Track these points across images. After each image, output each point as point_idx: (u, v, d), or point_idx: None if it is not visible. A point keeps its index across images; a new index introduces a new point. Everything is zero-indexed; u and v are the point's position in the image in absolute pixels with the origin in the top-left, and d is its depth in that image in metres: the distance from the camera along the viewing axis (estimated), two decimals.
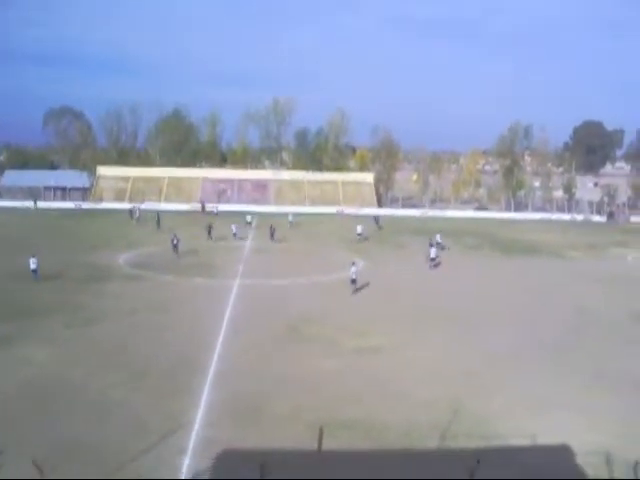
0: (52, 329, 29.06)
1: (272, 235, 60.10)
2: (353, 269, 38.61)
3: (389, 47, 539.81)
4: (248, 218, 72.26)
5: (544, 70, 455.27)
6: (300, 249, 55.96)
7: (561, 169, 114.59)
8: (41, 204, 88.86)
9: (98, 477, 15.50)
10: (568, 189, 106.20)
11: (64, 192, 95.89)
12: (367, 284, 40.61)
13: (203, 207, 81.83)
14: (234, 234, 59.78)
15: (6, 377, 22.78)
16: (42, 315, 31.38)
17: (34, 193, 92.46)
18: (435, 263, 48.01)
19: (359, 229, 63.25)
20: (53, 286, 38.12)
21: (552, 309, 35.95)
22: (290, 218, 72.92)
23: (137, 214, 73.92)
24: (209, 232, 58.46)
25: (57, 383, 22.31)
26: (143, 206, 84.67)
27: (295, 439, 17.94)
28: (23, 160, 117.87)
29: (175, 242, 49.75)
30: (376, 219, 75.93)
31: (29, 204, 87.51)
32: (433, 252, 48.28)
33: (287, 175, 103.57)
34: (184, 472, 16.39)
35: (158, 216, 66.34)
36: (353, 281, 38.34)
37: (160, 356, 25.54)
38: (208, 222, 60.67)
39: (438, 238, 56.72)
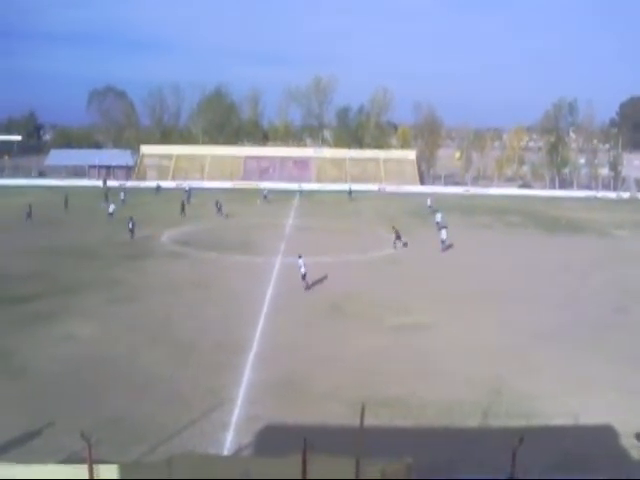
0: (95, 305, 29.61)
1: (219, 209, 60.54)
2: (300, 262, 33.32)
3: (431, 22, 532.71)
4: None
5: (590, 44, 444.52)
6: (343, 227, 55.82)
7: (607, 146, 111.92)
8: (85, 182, 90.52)
9: (143, 450, 15.85)
10: (614, 166, 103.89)
11: (108, 171, 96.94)
12: (408, 261, 40.39)
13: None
14: (110, 214, 56.26)
15: (51, 353, 23.23)
16: (85, 291, 32.02)
17: (79, 172, 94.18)
18: (445, 246, 45.71)
19: (429, 201, 69.05)
20: (97, 263, 38.85)
21: (596, 288, 35.35)
22: (265, 193, 74.43)
23: (122, 197, 68.29)
24: (182, 209, 59.96)
25: (101, 359, 22.71)
26: (185, 184, 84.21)
27: (336, 417, 18.09)
28: (68, 140, 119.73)
29: (131, 226, 47.93)
30: (350, 192, 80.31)
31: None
32: (444, 233, 46.07)
33: (329, 153, 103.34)
34: (227, 447, 16.65)
35: (189, 194, 67.39)
36: (303, 276, 33.16)
37: (203, 333, 25.86)
38: (182, 200, 62.00)
39: (439, 218, 55.31)
